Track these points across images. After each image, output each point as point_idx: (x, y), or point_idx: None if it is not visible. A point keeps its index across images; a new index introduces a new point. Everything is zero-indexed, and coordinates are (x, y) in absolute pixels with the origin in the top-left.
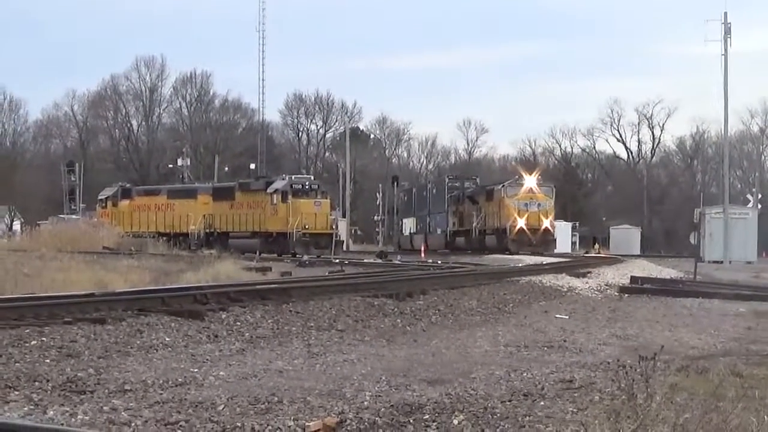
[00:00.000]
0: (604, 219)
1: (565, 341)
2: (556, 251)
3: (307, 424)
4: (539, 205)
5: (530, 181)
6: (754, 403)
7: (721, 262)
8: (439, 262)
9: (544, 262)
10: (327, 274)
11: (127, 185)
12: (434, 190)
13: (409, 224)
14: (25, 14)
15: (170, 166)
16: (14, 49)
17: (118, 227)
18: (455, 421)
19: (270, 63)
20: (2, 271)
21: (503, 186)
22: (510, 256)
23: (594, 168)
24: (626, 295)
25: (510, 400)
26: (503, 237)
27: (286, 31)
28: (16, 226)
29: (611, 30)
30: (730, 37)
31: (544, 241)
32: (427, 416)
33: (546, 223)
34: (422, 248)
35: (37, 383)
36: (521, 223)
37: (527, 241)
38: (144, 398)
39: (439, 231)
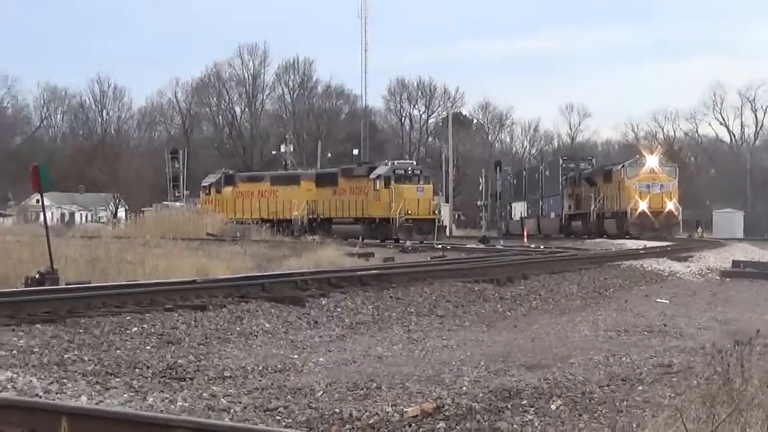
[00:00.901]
0: (707, 203)
1: (665, 326)
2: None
3: (405, 409)
4: (662, 186)
5: (652, 160)
6: None
7: None
8: (542, 247)
9: (647, 245)
10: (429, 259)
11: (231, 172)
12: (547, 172)
13: (519, 208)
14: (128, 3)
15: (273, 152)
16: (118, 38)
17: (221, 214)
18: (553, 407)
19: (372, 49)
20: (106, 259)
21: (623, 166)
22: (613, 241)
23: (697, 152)
24: (728, 279)
25: (608, 385)
26: (624, 221)
27: (388, 16)
28: (121, 213)
29: (713, 12)
30: None
31: (668, 225)
32: (525, 401)
33: (670, 205)
34: (525, 233)
35: (137, 370)
36: (643, 205)
37: (650, 225)
38: (243, 385)
39: (553, 215)
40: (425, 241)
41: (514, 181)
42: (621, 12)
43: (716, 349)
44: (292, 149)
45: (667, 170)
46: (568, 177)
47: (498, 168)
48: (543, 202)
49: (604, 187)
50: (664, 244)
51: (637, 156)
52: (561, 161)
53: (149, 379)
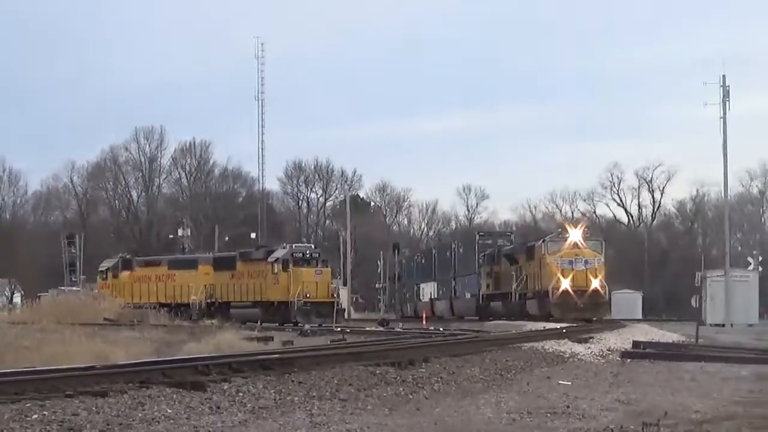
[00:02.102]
0: None
1: (568, 407)
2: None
3: None
4: (586, 262)
5: (575, 234)
6: None
7: (723, 325)
8: (441, 329)
9: (547, 327)
10: (329, 342)
11: (128, 256)
12: (461, 249)
13: (428, 289)
14: (23, 86)
15: (171, 236)
16: (12, 120)
17: (119, 298)
18: None
19: (269, 131)
20: (2, 344)
21: (543, 241)
22: (513, 322)
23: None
24: (629, 359)
25: None
26: (545, 301)
27: (285, 98)
28: (17, 298)
29: (610, 94)
30: (728, 100)
31: (594, 305)
32: None
33: (595, 283)
34: (423, 316)
35: None
36: (565, 284)
37: (574, 305)
38: None
39: (468, 295)
40: (324, 325)
41: (422, 260)
42: (517, 94)
43: (623, 431)
44: (189, 233)
45: (591, 244)
46: (486, 254)
47: (396, 250)
48: (456, 281)
49: (526, 264)
50: (564, 325)
51: (559, 230)
52: (477, 237)
53: None
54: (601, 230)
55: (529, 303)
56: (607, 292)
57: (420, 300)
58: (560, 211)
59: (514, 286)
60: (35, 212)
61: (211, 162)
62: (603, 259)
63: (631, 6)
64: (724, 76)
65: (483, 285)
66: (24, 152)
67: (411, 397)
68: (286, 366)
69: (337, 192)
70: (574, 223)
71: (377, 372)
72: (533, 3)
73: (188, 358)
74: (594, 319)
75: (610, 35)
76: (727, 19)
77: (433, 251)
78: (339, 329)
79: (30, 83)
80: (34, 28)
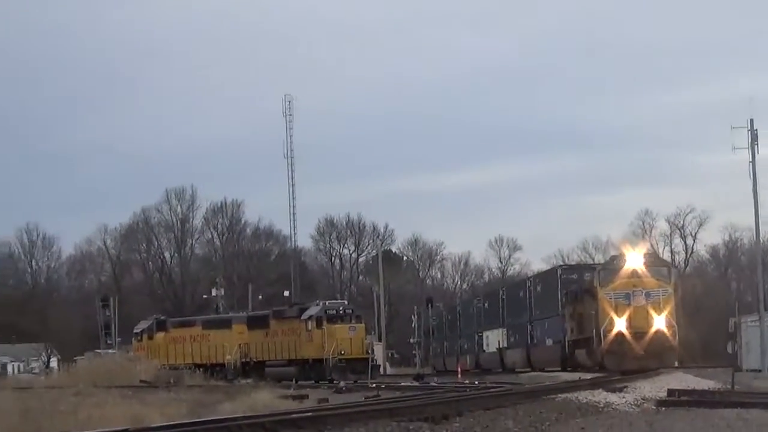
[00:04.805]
0: None
1: None
2: None
3: None
4: (648, 294)
5: (634, 259)
6: None
7: (760, 370)
8: (476, 382)
9: (580, 378)
10: (363, 399)
11: (162, 318)
12: (539, 288)
13: (495, 337)
14: (53, 151)
15: (204, 296)
16: (45, 186)
17: (154, 360)
18: None
19: (300, 188)
20: (39, 410)
21: (596, 271)
22: (547, 374)
23: None
24: (663, 408)
25: None
26: (595, 348)
27: (315, 156)
28: (53, 362)
29: (638, 142)
30: (757, 144)
31: (658, 351)
32: None
33: (659, 322)
34: (458, 369)
35: None
36: (620, 324)
37: (630, 353)
38: None
39: (549, 341)
40: (359, 381)
41: (486, 305)
42: (546, 145)
43: None
44: (223, 293)
45: (655, 272)
46: (570, 292)
47: (430, 304)
48: (533, 326)
49: (590, 301)
50: (600, 375)
51: (613, 255)
52: (560, 272)
53: None
54: None
55: (578, 351)
56: (675, 332)
57: (484, 351)
58: (593, 260)
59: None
60: (69, 276)
61: (243, 221)
62: (671, 291)
63: (657, 54)
64: (751, 120)
65: (567, 329)
66: (57, 217)
67: None
68: (318, 424)
69: (369, 247)
70: (633, 244)
71: (411, 428)
72: (560, 55)
73: (221, 419)
74: (658, 369)
75: (637, 84)
76: (754, 63)
77: (501, 292)
78: (374, 385)
79: (60, 147)
80: (62, 92)
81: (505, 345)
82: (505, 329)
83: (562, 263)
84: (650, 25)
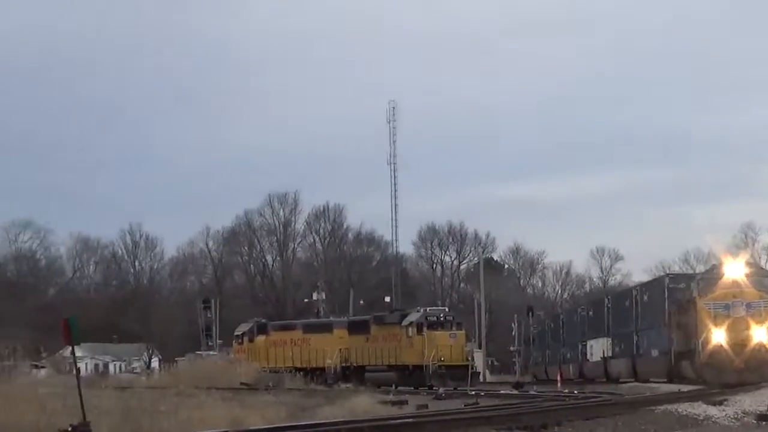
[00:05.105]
0: None
1: None
2: None
3: None
4: (748, 306)
5: (733, 268)
6: None
7: None
8: (576, 392)
9: (680, 390)
10: (463, 406)
11: (263, 321)
12: (645, 297)
13: (599, 346)
14: (157, 153)
15: (305, 300)
16: (148, 187)
17: (254, 363)
18: None
19: (402, 194)
20: (140, 410)
21: (696, 281)
22: (648, 384)
23: None
24: (764, 422)
25: None
26: (694, 360)
27: (417, 161)
28: (154, 363)
29: (742, 152)
30: None
31: (758, 365)
32: None
33: (759, 334)
34: (558, 378)
35: None
36: (718, 336)
37: (729, 365)
38: None
39: (655, 352)
40: (459, 388)
41: (590, 313)
42: (649, 155)
43: None
44: (324, 297)
45: (756, 282)
46: (674, 301)
47: (530, 313)
48: (640, 336)
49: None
50: (699, 387)
51: (713, 264)
52: (666, 281)
53: None
54: None
55: (683, 363)
56: None
57: (588, 360)
58: (695, 272)
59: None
60: (171, 278)
61: (345, 226)
62: None
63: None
64: None
65: (674, 340)
66: (160, 219)
67: None
68: (418, 430)
69: (470, 255)
70: (734, 254)
71: None
72: (668, 61)
73: (321, 423)
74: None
75: (736, 97)
76: None
77: (606, 301)
78: (473, 392)
79: (164, 150)
80: (168, 92)
81: (610, 354)
82: (610, 338)
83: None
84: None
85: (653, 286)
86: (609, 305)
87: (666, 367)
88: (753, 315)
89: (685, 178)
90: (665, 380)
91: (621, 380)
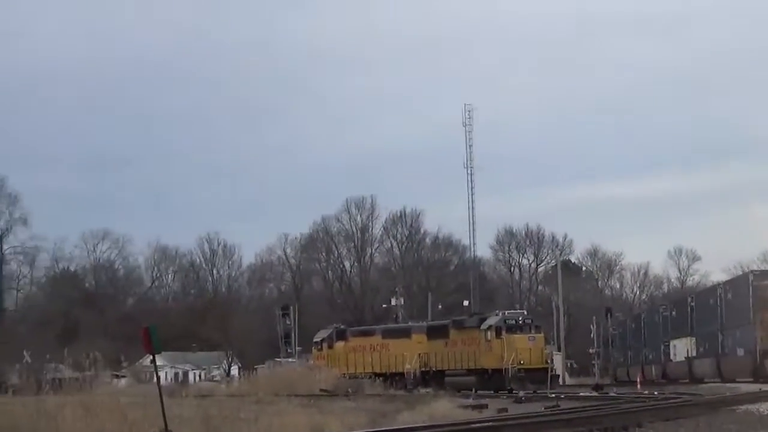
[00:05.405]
0: None
1: None
2: None
3: None
4: None
5: None
6: None
7: None
8: (656, 393)
9: (760, 389)
10: (543, 409)
11: (342, 327)
12: (730, 295)
13: (683, 346)
14: (233, 160)
15: (384, 306)
16: (225, 194)
17: (334, 369)
18: None
19: (479, 197)
20: (220, 417)
21: (754, 274)
22: (728, 384)
23: None
24: None
25: None
26: (749, 360)
27: (494, 165)
28: (234, 370)
29: None
30: None
31: None
32: None
33: None
34: (638, 380)
35: None
36: None
37: None
38: None
39: (741, 351)
40: (538, 391)
41: (673, 313)
42: (727, 154)
43: None
44: (402, 302)
45: None
46: (759, 298)
47: (609, 314)
48: (725, 335)
49: None
50: None
51: None
52: (751, 278)
53: None
54: None
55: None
56: None
57: (671, 360)
58: None
59: None
60: (250, 285)
61: (422, 231)
62: None
63: None
64: None
65: (758, 338)
66: (237, 226)
67: None
68: None
69: (548, 257)
70: None
71: None
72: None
73: (401, 428)
74: None
75: None
76: None
77: (689, 300)
78: (553, 395)
79: (240, 157)
80: (243, 102)
81: (694, 354)
82: (693, 338)
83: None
84: None
85: (738, 283)
86: (692, 304)
87: (751, 366)
88: None
89: (763, 177)
90: (751, 380)
91: (706, 380)
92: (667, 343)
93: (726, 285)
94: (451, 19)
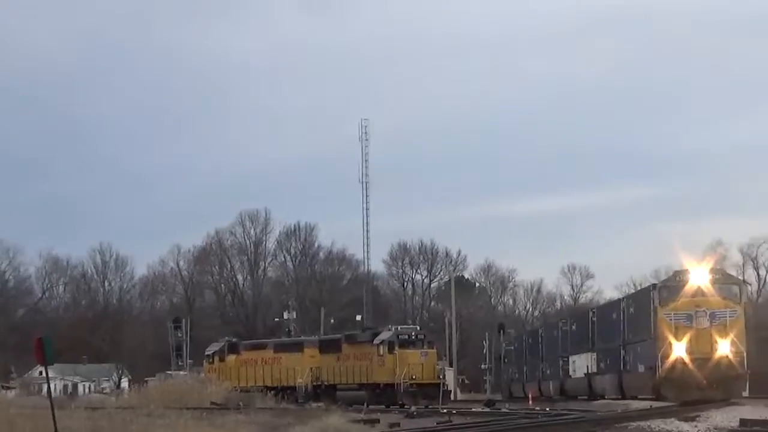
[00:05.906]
0: None
1: None
2: None
3: None
4: (713, 316)
5: (697, 275)
6: None
7: None
8: (547, 409)
9: (651, 406)
10: (435, 424)
11: (234, 340)
12: (632, 309)
13: (582, 362)
14: (128, 175)
15: (276, 319)
16: (118, 207)
17: (225, 382)
18: None
19: (373, 212)
20: (110, 430)
21: (655, 288)
22: (620, 401)
23: None
24: None
25: None
26: (651, 375)
27: (389, 180)
28: (124, 383)
29: (710, 171)
30: None
31: (723, 380)
32: None
33: (723, 347)
34: (530, 396)
35: None
36: (679, 349)
37: (692, 381)
38: None
39: (642, 368)
40: (430, 406)
41: (573, 327)
42: (620, 172)
43: None
44: (294, 316)
45: (721, 290)
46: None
47: (501, 330)
48: (626, 350)
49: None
50: (671, 403)
51: (675, 270)
52: (652, 290)
53: None
54: None
55: (629, 377)
56: (743, 359)
57: (570, 376)
58: None
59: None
60: (142, 297)
61: (316, 245)
62: (740, 311)
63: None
64: None
65: (659, 354)
66: (130, 238)
67: None
68: None
69: (441, 273)
70: (698, 258)
71: None
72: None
73: None
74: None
75: (713, 112)
76: None
77: (591, 314)
78: (445, 410)
79: (135, 167)
80: (150, 111)
81: (594, 370)
82: (594, 353)
83: (633, 290)
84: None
85: (640, 297)
86: (594, 318)
87: (652, 382)
88: (717, 326)
89: (656, 196)
90: (653, 397)
91: (606, 397)
92: (566, 359)
93: (628, 298)
94: (360, 32)
